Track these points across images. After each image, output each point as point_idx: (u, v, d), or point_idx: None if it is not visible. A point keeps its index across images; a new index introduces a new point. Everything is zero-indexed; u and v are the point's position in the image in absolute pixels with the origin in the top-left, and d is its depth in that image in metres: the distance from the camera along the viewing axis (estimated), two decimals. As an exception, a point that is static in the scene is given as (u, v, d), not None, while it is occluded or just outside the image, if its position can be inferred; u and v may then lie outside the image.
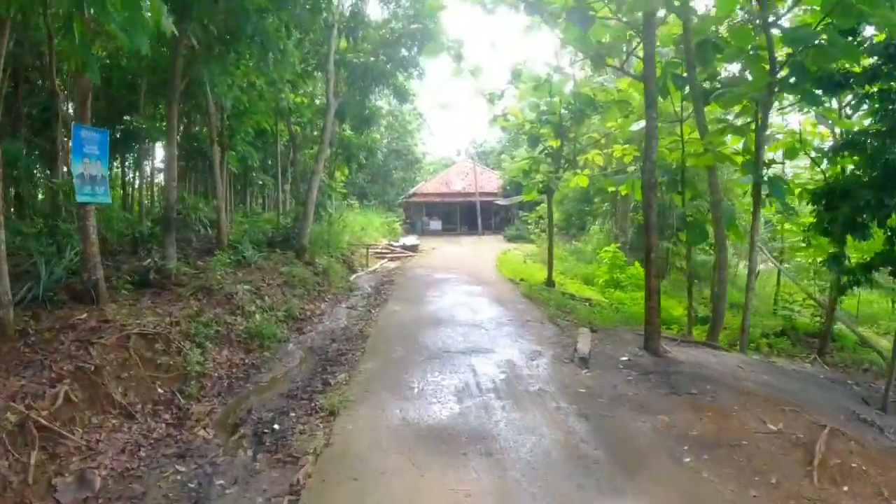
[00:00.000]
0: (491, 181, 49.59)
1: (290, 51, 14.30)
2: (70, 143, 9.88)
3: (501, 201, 45.01)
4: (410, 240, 35.32)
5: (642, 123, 10.77)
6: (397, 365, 8.81)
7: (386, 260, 25.74)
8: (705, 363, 9.13)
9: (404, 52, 18.37)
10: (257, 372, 9.18)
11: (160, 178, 22.93)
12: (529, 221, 32.17)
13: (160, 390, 7.86)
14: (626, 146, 17.31)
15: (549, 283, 17.82)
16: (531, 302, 14.27)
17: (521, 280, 18.47)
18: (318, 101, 21.74)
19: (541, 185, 17.84)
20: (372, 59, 18.68)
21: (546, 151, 18.08)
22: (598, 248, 29.13)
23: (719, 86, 12.03)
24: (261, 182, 31.02)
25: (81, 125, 9.78)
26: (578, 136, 17.87)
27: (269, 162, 24.76)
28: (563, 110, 16.90)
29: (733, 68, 14.06)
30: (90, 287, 9.56)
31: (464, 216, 47.33)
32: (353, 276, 20.06)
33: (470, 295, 15.20)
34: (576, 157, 18.07)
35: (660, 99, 11.33)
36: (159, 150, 22.95)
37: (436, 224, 46.79)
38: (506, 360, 8.90)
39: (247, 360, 9.65)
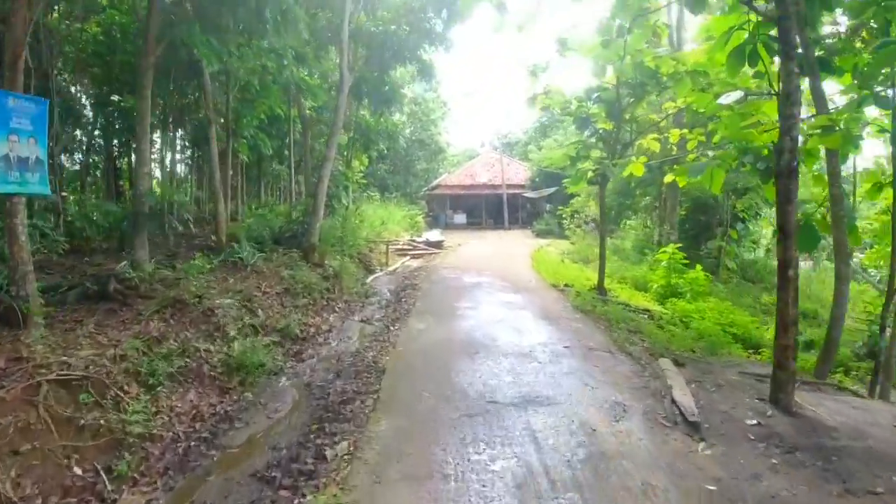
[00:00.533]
0: (518, 173, 46.69)
1: (292, 11, 11.66)
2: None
3: (530, 194, 42.15)
4: (434, 235, 32.60)
5: (733, 95, 7.94)
6: (423, 427, 6.12)
7: (408, 258, 23.11)
8: (862, 426, 6.29)
9: (431, 15, 15.58)
10: (230, 427, 6.57)
11: (158, 168, 20.62)
12: (565, 216, 29.31)
13: (77, 470, 5.30)
14: (691, 130, 14.41)
15: (601, 290, 15.00)
16: (587, 318, 11.48)
17: (567, 286, 15.68)
18: (332, 80, 19.08)
19: (591, 174, 14.99)
20: (393, 27, 15.96)
21: (597, 135, 15.21)
22: (637, 245, 26.28)
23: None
24: (276, 172, 28.61)
25: (10, 92, 7.28)
26: (635, 117, 14.98)
27: (286, 151, 22.30)
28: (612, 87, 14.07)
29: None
30: (18, 305, 7.08)
31: (489, 209, 44.53)
32: (371, 277, 17.45)
33: (510, 307, 12.45)
34: (633, 141, 15.19)
35: (746, 69, 8.49)
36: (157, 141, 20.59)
37: (460, 218, 44.05)
38: (579, 422, 6.15)
39: (219, 408, 7.05)
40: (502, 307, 12.33)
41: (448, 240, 33.41)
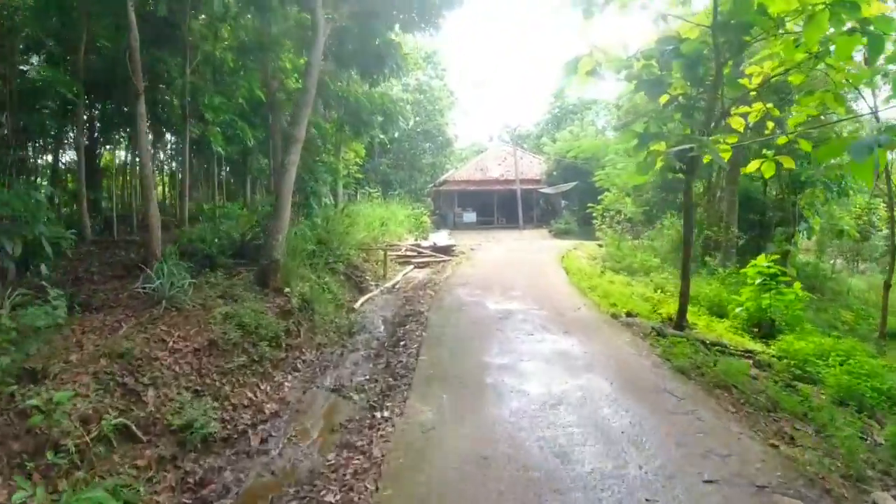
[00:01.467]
0: (532, 167, 42.07)
1: None
2: None
3: (547, 189, 37.58)
4: (442, 238, 28.11)
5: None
6: None
7: (411, 268, 18.67)
8: None
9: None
10: None
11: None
12: (595, 214, 24.80)
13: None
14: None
15: (679, 323, 10.44)
16: (698, 390, 6.91)
17: (629, 314, 11.17)
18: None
19: (663, 162, 10.38)
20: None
21: (676, 105, 10.66)
22: (675, 248, 21.87)
23: None
24: (263, 167, 24.25)
25: None
26: (730, 80, 10.40)
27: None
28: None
29: None
30: None
31: (502, 207, 39.97)
32: (362, 300, 13.01)
33: (568, 365, 7.75)
34: (726, 113, 10.57)
35: None
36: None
37: (469, 216, 39.52)
38: None
39: None
40: (557, 365, 7.75)
41: (458, 242, 28.96)
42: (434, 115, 38.14)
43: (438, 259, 20.08)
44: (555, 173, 37.20)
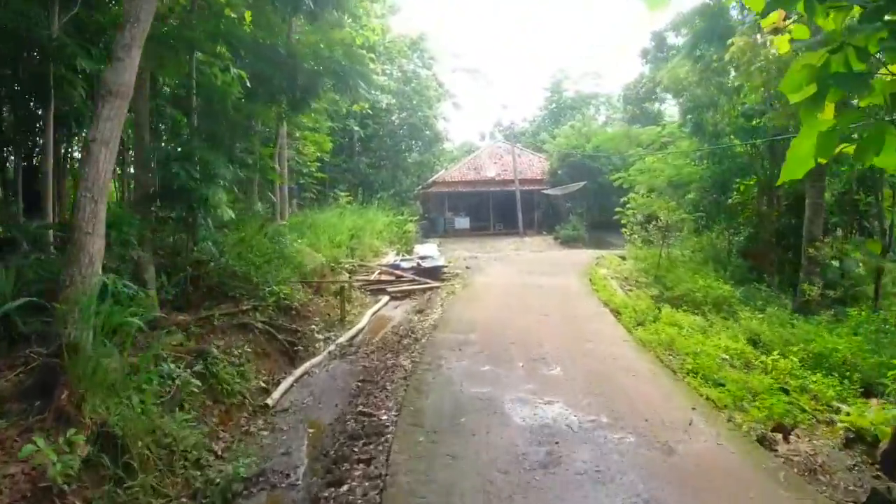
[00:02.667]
0: (532, 165, 36.61)
1: None
2: None
3: (551, 191, 32.04)
4: (430, 250, 22.55)
5: None
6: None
7: (384, 301, 13.15)
8: None
9: None
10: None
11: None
12: (624, 220, 19.37)
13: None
14: None
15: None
16: None
17: (781, 429, 5.65)
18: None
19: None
20: None
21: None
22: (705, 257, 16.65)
23: None
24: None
25: None
26: None
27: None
28: None
29: None
30: None
31: (499, 210, 34.44)
32: (285, 384, 7.42)
33: None
34: None
35: None
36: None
37: (462, 221, 33.98)
38: None
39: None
40: None
41: (451, 254, 23.46)
42: (420, 107, 32.55)
43: (424, 286, 14.51)
44: (560, 172, 31.72)
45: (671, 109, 44.16)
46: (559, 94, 57.29)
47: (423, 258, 17.23)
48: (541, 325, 9.87)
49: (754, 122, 17.43)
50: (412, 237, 24.19)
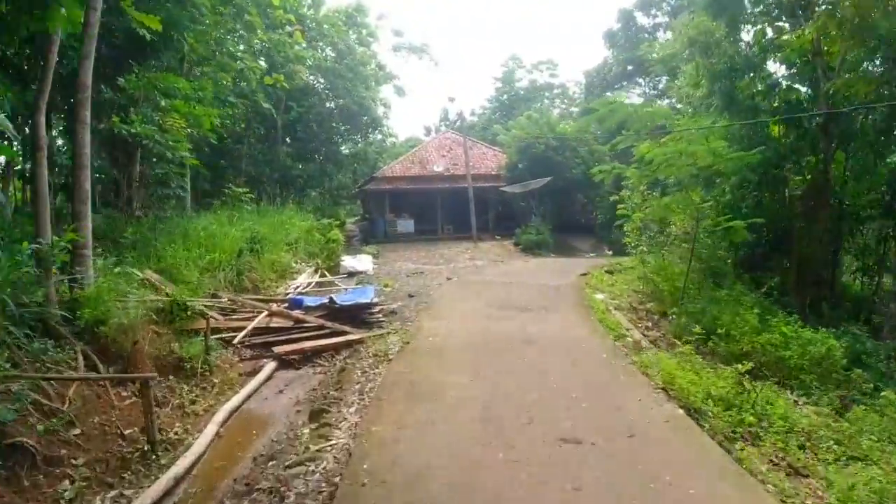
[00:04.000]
0: (486, 159, 31.59)
1: None
2: None
3: (510, 188, 27.04)
4: (361, 266, 17.37)
5: None
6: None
7: (269, 370, 7.71)
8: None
9: None
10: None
11: None
12: (629, 229, 14.50)
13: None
14: None
15: None
16: None
17: None
18: None
19: None
20: None
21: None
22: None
23: None
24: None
25: None
26: None
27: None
28: None
29: None
30: None
31: (448, 211, 29.19)
32: None
33: None
34: None
35: None
36: None
37: (406, 224, 28.53)
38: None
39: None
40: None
41: (391, 266, 18.20)
42: (356, 88, 26.84)
43: (338, 338, 9.06)
44: (520, 166, 26.72)
45: (636, 101, 40.15)
46: (511, 85, 52.57)
47: (336, 297, 11.78)
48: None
49: (798, 96, 12.83)
50: (339, 248, 18.61)
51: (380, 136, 35.24)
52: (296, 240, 17.05)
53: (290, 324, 9.44)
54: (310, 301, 9.94)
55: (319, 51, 27.73)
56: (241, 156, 23.90)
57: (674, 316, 10.82)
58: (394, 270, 18.11)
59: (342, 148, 30.21)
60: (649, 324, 11.13)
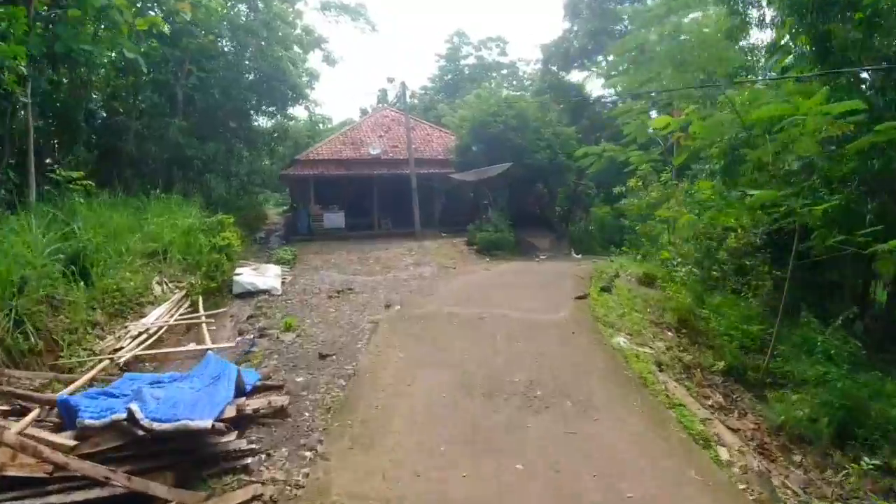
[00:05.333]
0: (431, 141, 26.69)
1: None
2: None
3: (461, 176, 22.27)
4: (263, 283, 12.27)
5: None
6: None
7: None
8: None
9: None
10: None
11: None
12: (672, 244, 10.14)
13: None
14: None
15: None
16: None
17: None
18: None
19: None
20: None
21: None
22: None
23: None
24: None
25: None
26: None
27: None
28: None
29: None
30: None
31: (386, 202, 24.12)
32: None
33: None
34: None
35: None
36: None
37: (334, 218, 23.23)
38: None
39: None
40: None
41: (308, 279, 13.19)
42: (272, 48, 21.15)
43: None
44: (474, 148, 21.88)
45: (595, 84, 36.14)
46: (456, 63, 47.64)
47: (147, 402, 6.66)
48: None
49: None
50: (233, 256, 13.34)
51: (307, 113, 29.57)
52: (165, 248, 11.73)
53: (46, 470, 4.30)
54: (91, 412, 4.68)
55: (228, 3, 21.87)
56: (128, 132, 18.01)
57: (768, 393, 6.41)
58: (310, 287, 13.02)
59: (255, 123, 24.46)
60: (724, 400, 6.71)
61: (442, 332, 8.55)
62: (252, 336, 8.71)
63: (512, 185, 22.30)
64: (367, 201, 23.95)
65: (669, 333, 9.38)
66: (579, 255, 18.17)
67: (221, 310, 10.88)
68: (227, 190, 20.35)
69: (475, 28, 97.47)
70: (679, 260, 10.47)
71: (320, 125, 36.75)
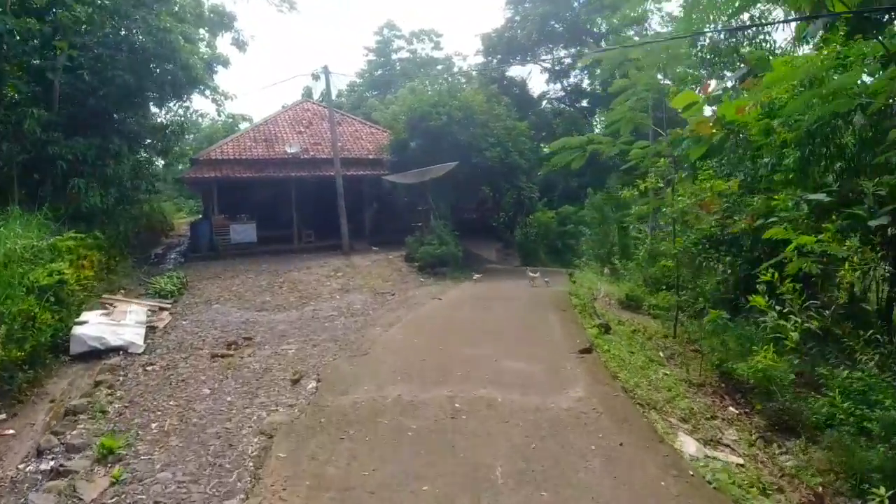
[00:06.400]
0: (360, 138, 22.95)
1: None
2: None
3: (396, 177, 18.69)
4: (119, 337, 8.20)
5: None
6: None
7: None
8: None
9: None
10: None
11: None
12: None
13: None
14: None
15: None
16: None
17: None
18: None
19: None
20: None
21: None
22: None
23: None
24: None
25: None
26: None
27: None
28: None
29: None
30: None
31: (308, 210, 20.18)
32: None
33: None
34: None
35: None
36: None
37: (244, 231, 19.04)
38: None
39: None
40: None
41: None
42: (160, 19, 16.75)
43: None
44: (412, 145, 18.35)
45: (540, 80, 33.47)
46: (387, 58, 43.89)
47: None
48: None
49: None
50: (76, 294, 9.21)
51: (216, 108, 24.89)
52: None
53: None
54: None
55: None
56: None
57: None
58: (191, 338, 9.15)
59: (155, 118, 19.83)
60: None
61: (389, 462, 4.94)
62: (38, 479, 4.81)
63: (456, 188, 18.97)
64: (284, 210, 19.90)
65: (731, 408, 6.31)
66: (536, 273, 14.95)
67: (35, 390, 6.89)
68: (103, 199, 15.82)
69: (407, 19, 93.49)
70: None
71: (239, 126, 32.16)
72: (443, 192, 18.62)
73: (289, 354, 7.99)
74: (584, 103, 31.19)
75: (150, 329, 9.76)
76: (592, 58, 14.39)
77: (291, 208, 19.81)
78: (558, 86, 31.41)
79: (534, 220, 24.92)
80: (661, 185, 8.40)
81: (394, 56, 43.67)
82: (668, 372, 7.29)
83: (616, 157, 12.37)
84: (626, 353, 7.61)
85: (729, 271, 8.33)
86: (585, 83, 30.72)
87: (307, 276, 14.67)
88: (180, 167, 23.84)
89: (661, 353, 8.61)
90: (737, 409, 6.55)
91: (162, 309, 11.50)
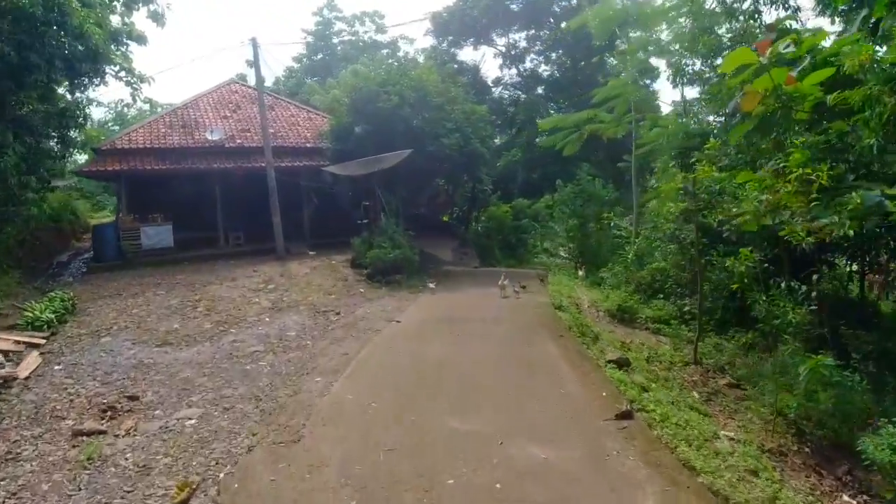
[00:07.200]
0: (297, 124, 20.09)
1: None
2: None
3: (345, 168, 16.03)
4: None
5: None
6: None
7: None
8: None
9: None
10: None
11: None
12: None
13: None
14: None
15: None
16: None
17: None
18: None
19: None
20: None
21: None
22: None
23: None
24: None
25: None
26: None
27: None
28: None
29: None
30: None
31: (236, 208, 17.27)
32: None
33: None
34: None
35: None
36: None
37: (157, 234, 15.97)
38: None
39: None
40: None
41: (75, 381, 6.29)
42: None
43: None
44: (357, 130, 15.67)
45: (492, 64, 31.32)
46: (327, 41, 40.67)
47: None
48: None
49: None
50: None
51: (131, 92, 21.09)
52: None
53: None
54: None
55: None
56: None
57: None
58: (59, 389, 6.56)
59: (35, 98, 16.30)
60: None
61: None
62: None
63: (408, 180, 16.52)
64: (207, 208, 16.90)
65: (845, 496, 4.28)
66: (506, 281, 12.55)
67: None
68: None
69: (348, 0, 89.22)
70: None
71: (159, 109, 28.40)
72: (393, 185, 16.12)
73: (185, 431, 5.43)
74: (540, 90, 29.30)
75: (2, 384, 6.96)
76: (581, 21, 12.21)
77: (216, 206, 16.84)
78: (514, 71, 29.36)
79: (488, 214, 22.93)
80: (716, 172, 6.33)
81: (335, 39, 40.52)
82: (731, 435, 5.18)
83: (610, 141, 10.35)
84: (672, 409, 5.44)
85: (813, 294, 6.34)
86: (542, 69, 28.80)
87: (230, 292, 11.90)
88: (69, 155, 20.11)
89: (696, 394, 6.55)
90: (845, 491, 4.50)
91: (31, 346, 8.62)
